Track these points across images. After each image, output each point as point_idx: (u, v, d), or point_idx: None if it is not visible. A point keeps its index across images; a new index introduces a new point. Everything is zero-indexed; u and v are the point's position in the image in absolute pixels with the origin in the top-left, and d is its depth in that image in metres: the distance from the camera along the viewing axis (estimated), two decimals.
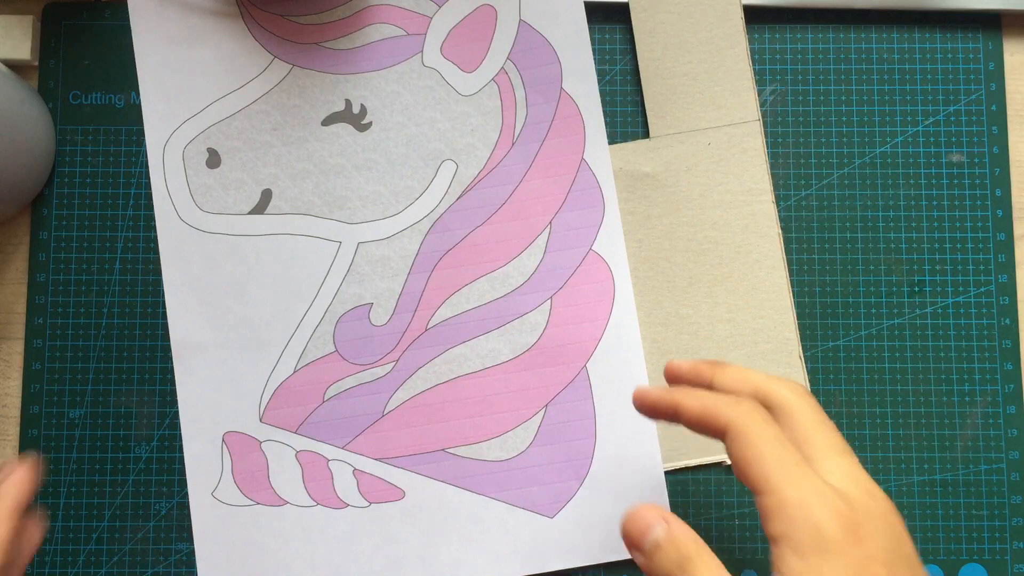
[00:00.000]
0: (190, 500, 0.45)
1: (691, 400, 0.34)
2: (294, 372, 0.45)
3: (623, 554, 0.43)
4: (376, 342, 0.45)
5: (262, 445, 0.45)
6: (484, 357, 0.45)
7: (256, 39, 0.46)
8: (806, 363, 0.46)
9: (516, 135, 0.45)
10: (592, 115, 0.45)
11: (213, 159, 0.46)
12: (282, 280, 0.45)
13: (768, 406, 0.34)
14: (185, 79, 0.46)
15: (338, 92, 0.46)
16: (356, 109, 0.45)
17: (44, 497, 0.45)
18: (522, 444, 0.45)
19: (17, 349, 0.46)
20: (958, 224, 0.46)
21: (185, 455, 0.45)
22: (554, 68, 0.46)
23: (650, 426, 0.44)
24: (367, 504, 0.44)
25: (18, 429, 0.46)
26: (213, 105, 0.46)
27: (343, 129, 0.46)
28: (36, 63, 0.47)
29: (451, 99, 0.45)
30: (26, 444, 0.45)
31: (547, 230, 0.45)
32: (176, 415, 0.46)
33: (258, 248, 0.45)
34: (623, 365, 0.45)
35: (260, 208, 0.45)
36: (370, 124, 0.45)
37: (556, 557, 0.44)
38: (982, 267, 0.46)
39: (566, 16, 0.46)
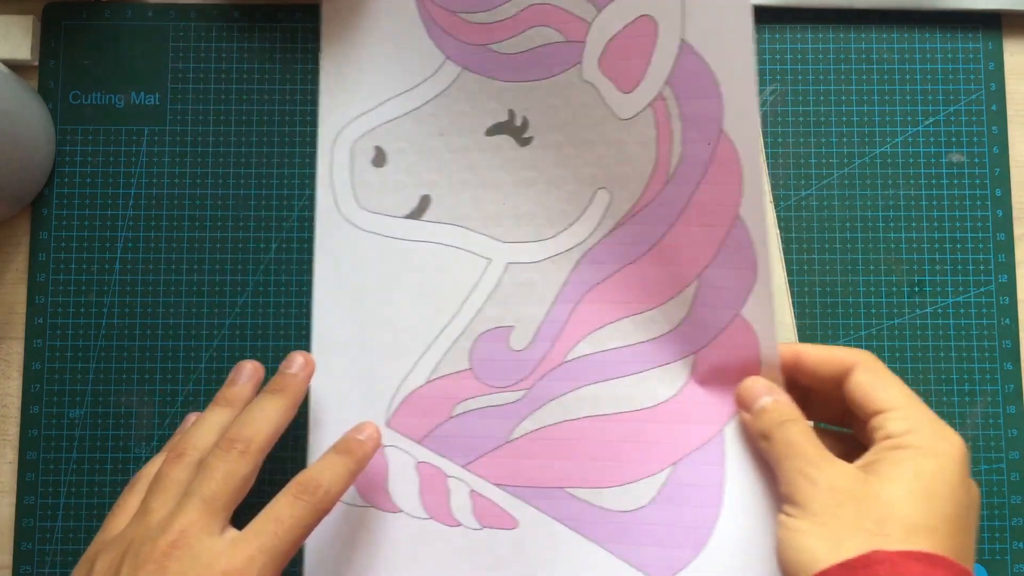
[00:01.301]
0: None
1: (813, 346, 0.40)
2: (426, 383, 0.44)
3: None
4: (511, 367, 0.43)
5: (385, 450, 0.43)
6: (618, 401, 0.42)
7: (431, 37, 0.45)
8: None
9: (671, 173, 0.41)
10: (752, 165, 0.39)
11: (379, 158, 0.45)
12: (428, 289, 0.44)
13: None
14: (363, 74, 0.45)
15: (503, 101, 0.44)
16: (519, 121, 0.44)
17: (44, 497, 0.45)
18: (643, 499, 0.42)
19: (17, 349, 0.46)
20: (958, 224, 0.46)
21: (308, 449, 0.43)
22: (714, 103, 0.39)
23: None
24: (479, 527, 0.43)
25: (18, 429, 0.46)
26: (385, 104, 0.45)
27: (505, 142, 0.44)
28: (36, 63, 0.47)
29: (608, 122, 0.42)
30: (26, 444, 0.45)
31: (696, 282, 0.41)
32: (176, 415, 0.46)
33: (409, 253, 0.44)
34: None
35: (417, 213, 0.44)
36: (531, 139, 0.44)
37: None
38: (982, 267, 0.46)
39: (733, 40, 0.39)
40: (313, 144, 0.47)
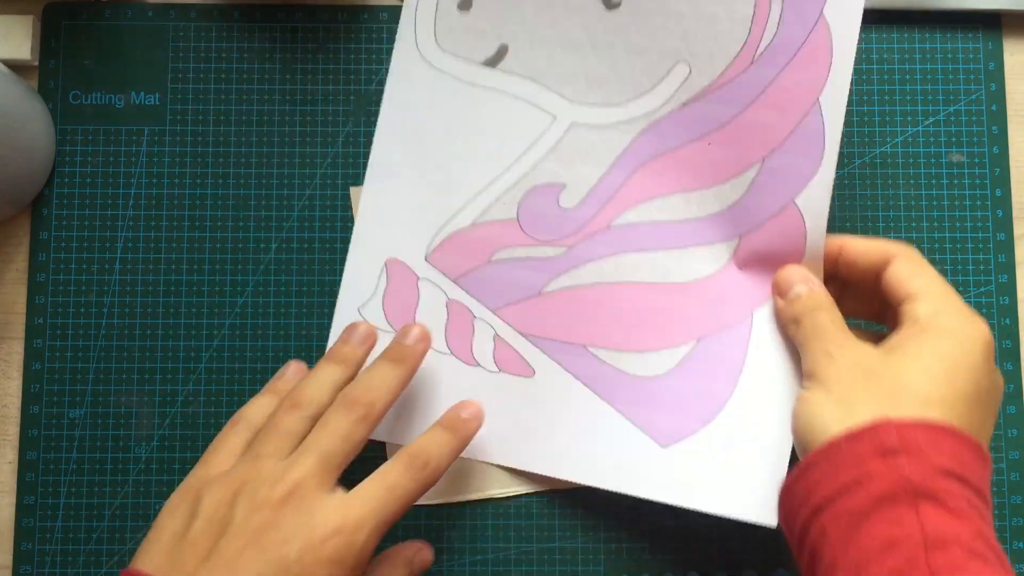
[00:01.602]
0: (336, 312, 0.45)
1: (856, 238, 0.41)
2: (471, 225, 0.45)
3: (716, 508, 0.42)
4: (557, 223, 0.44)
5: (419, 282, 0.45)
6: (656, 272, 0.44)
7: None
8: None
9: (757, 54, 0.42)
10: (844, 53, 0.41)
11: (465, 2, 0.45)
12: (489, 136, 0.45)
13: None
14: None
15: None
16: None
17: (44, 497, 0.45)
18: (662, 368, 0.43)
19: (17, 349, 0.46)
20: (958, 224, 0.46)
21: (345, 268, 0.45)
22: None
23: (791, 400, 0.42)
24: (496, 371, 0.44)
25: (18, 429, 0.46)
26: None
27: (592, 2, 0.44)
28: (36, 63, 0.47)
29: None
30: (26, 444, 0.45)
31: (758, 166, 0.42)
32: (176, 415, 0.46)
33: (478, 99, 0.45)
34: None
35: (493, 62, 0.45)
36: (620, 3, 0.44)
37: (653, 487, 0.43)
38: (982, 267, 0.46)
39: None
40: (314, 144, 0.47)
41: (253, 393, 0.43)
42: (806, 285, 0.40)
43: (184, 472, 0.45)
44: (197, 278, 0.47)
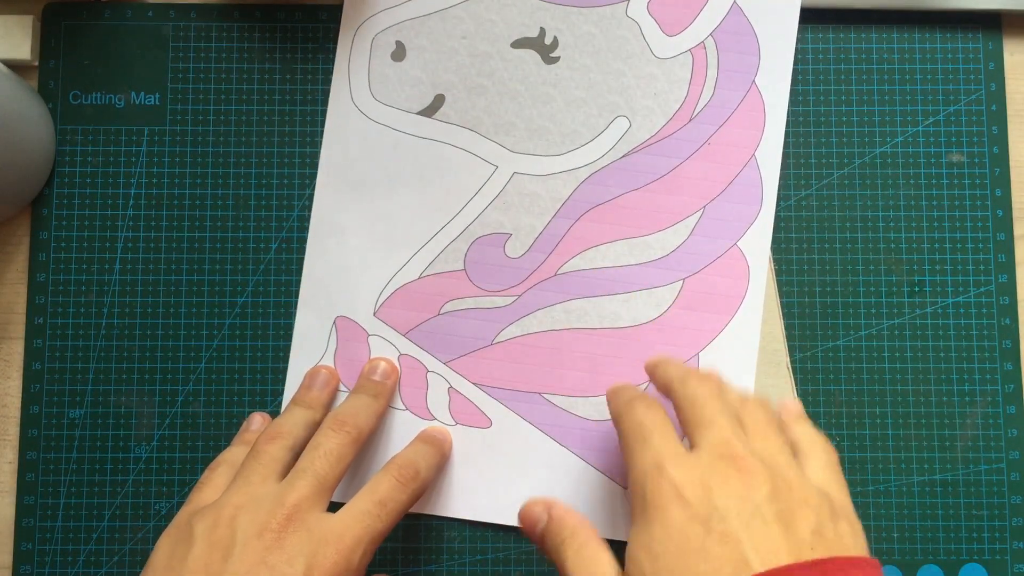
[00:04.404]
0: (289, 370, 0.45)
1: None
2: (418, 278, 0.46)
3: None
4: (504, 272, 0.45)
5: (369, 338, 0.45)
6: (603, 317, 0.45)
7: None
8: (807, 364, 0.46)
9: (695, 112, 0.45)
10: (776, 116, 0.45)
11: (399, 52, 0.46)
12: (432, 187, 0.46)
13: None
14: None
15: (535, 18, 0.46)
16: (548, 40, 0.46)
17: (44, 497, 0.45)
18: None
19: (17, 349, 0.46)
20: (958, 224, 0.46)
21: (295, 328, 0.46)
22: (752, 60, 0.46)
23: None
24: (453, 423, 0.45)
25: (18, 429, 0.46)
26: (413, 0, 0.46)
27: (530, 56, 0.46)
28: (36, 63, 0.47)
29: (643, 57, 0.45)
30: (26, 444, 0.45)
31: (699, 213, 0.45)
32: (176, 415, 0.46)
33: (417, 149, 0.46)
34: (734, 364, 0.45)
35: (429, 111, 0.46)
36: (558, 59, 0.46)
37: (625, 526, 0.44)
38: (982, 267, 0.46)
39: (780, 15, 0.46)
40: (314, 145, 0.47)
41: (253, 392, 0.43)
42: (544, 517, 0.37)
43: (184, 472, 0.46)
44: (197, 278, 0.47)
